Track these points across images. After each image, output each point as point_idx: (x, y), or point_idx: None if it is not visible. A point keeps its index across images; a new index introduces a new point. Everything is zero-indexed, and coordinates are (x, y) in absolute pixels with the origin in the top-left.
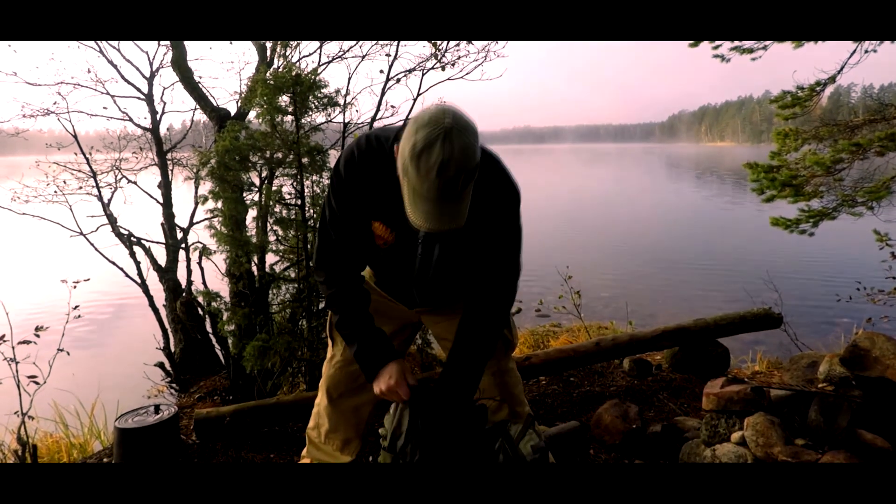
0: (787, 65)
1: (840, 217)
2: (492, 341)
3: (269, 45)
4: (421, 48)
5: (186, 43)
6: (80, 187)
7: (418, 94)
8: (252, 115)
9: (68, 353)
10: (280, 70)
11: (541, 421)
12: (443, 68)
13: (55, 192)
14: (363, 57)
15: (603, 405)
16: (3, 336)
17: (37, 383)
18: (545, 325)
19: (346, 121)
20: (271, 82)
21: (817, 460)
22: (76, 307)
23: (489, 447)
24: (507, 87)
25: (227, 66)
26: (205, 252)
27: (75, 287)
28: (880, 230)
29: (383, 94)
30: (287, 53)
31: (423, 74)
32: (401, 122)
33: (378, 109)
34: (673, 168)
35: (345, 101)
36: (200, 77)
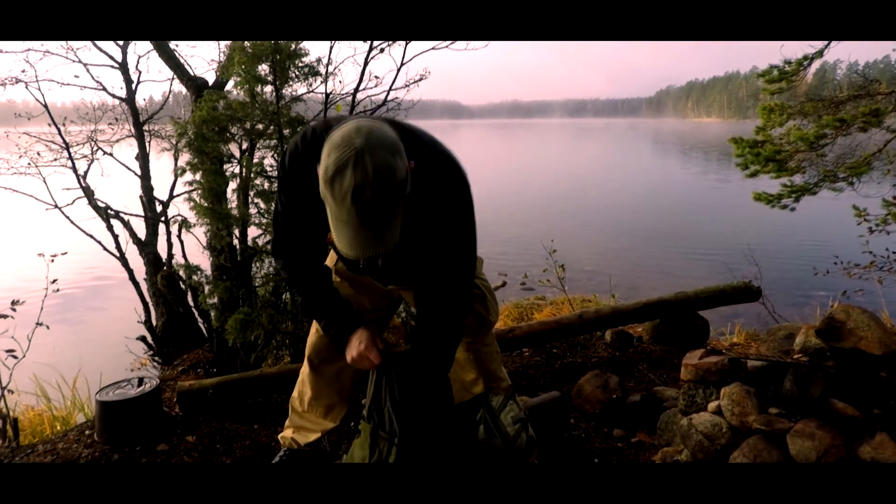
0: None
1: (821, 193)
2: (451, 340)
3: None
4: None
5: None
6: (55, 159)
7: (402, 64)
8: (231, 84)
9: (48, 327)
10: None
11: (523, 391)
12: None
13: (28, 164)
14: None
15: (584, 376)
16: None
17: (14, 357)
18: (530, 298)
19: (329, 91)
20: (250, 50)
21: (790, 428)
22: (54, 281)
23: (471, 418)
24: (494, 58)
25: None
26: (184, 225)
27: (52, 261)
28: (859, 206)
29: (366, 63)
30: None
31: (406, 43)
32: (384, 94)
33: (361, 80)
34: (659, 144)
35: (326, 70)
36: (177, 45)
